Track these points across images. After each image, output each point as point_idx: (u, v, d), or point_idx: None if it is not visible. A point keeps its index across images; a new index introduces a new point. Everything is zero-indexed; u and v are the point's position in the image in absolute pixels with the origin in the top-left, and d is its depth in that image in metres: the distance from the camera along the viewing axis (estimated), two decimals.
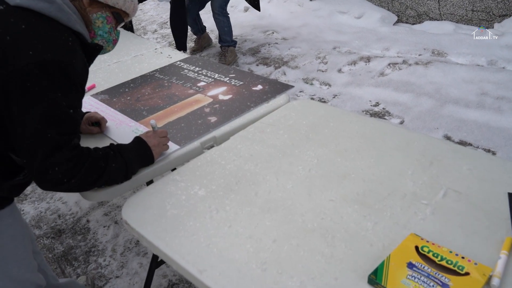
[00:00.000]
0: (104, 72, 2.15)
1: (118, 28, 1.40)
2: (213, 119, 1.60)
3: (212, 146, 1.49)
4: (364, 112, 3.33)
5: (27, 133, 1.09)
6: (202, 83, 1.90)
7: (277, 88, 1.80)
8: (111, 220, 2.55)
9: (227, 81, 1.90)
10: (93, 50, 1.29)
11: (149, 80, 2.00)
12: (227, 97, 1.75)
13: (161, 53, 2.38)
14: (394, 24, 4.68)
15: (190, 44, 4.92)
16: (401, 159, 1.31)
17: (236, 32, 4.95)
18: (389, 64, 3.88)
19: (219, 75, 1.97)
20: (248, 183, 1.26)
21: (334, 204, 1.16)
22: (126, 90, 1.92)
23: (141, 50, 2.45)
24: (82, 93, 1.20)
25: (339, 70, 3.95)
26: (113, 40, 1.36)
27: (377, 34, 4.40)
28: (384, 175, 1.25)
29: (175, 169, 1.40)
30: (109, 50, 1.39)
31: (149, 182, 1.44)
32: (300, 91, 3.74)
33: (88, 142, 1.54)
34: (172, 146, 1.45)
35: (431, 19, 4.60)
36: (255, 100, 1.71)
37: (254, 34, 4.90)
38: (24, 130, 1.09)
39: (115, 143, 1.32)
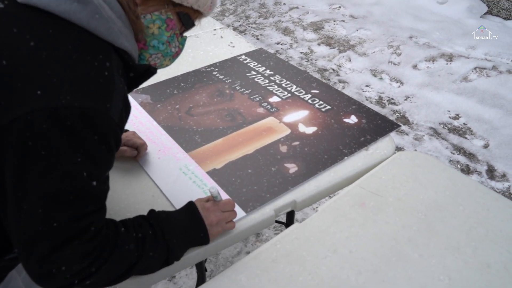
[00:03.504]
0: None
1: (185, 34, 0.94)
2: (292, 167, 1.15)
3: (291, 215, 1.04)
4: (442, 126, 2.82)
5: (22, 217, 0.67)
6: (275, 99, 1.43)
7: (378, 125, 1.32)
8: None
9: (309, 101, 1.42)
10: (141, 75, 0.84)
11: (205, 80, 1.54)
12: (310, 130, 1.28)
13: (221, 37, 1.90)
14: (481, 16, 4.01)
15: None
16: None
17: (297, 0, 4.38)
18: (475, 68, 3.29)
19: (298, 88, 1.49)
20: None
21: None
22: (175, 92, 1.47)
23: (196, 29, 1.95)
24: (116, 150, 0.77)
25: (415, 66, 3.38)
26: (173, 53, 0.91)
27: (463, 27, 3.76)
28: None
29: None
30: (166, 65, 0.94)
31: None
32: (366, 85, 3.22)
33: (112, 175, 1.12)
34: (236, 210, 1.01)
35: None
36: (349, 142, 1.24)
37: (318, 6, 4.30)
38: (18, 211, 0.67)
39: (154, 181, 0.89)
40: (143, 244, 0.80)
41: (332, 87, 1.52)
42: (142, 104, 1.41)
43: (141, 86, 1.50)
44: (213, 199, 0.94)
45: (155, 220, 0.85)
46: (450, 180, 1.14)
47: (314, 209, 2.17)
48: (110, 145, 0.72)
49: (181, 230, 0.88)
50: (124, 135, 1.17)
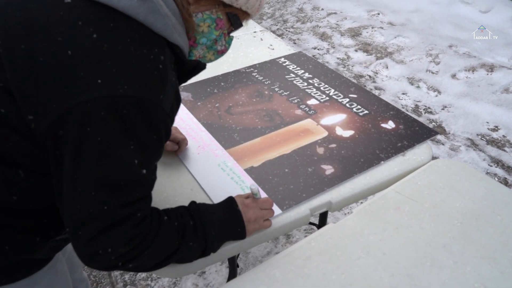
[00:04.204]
0: None
1: (232, 34, 0.97)
2: (328, 169, 1.16)
3: (323, 216, 1.06)
4: (479, 137, 2.76)
5: (76, 198, 0.71)
6: (313, 101, 1.45)
7: (416, 131, 1.32)
8: None
9: (347, 105, 1.43)
10: (191, 70, 0.88)
11: (245, 81, 1.58)
12: (347, 134, 1.30)
13: (261, 39, 1.93)
14: None
15: None
16: None
17: (335, 6, 4.38)
18: None
19: (336, 92, 1.51)
20: None
21: None
22: (215, 91, 1.51)
23: (237, 31, 2.00)
24: (166, 141, 0.81)
25: (453, 76, 3.33)
26: (218, 50, 0.94)
27: (506, 37, 3.68)
28: None
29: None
30: (210, 60, 0.98)
31: None
32: (403, 93, 3.19)
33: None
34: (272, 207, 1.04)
35: None
36: (385, 147, 1.25)
37: (356, 12, 4.29)
38: (72, 192, 0.71)
39: (192, 176, 0.95)
40: (184, 233, 0.84)
41: (370, 92, 1.52)
42: (183, 101, 1.45)
43: (182, 84, 1.55)
44: (252, 196, 0.97)
45: (196, 212, 0.89)
46: (488, 190, 1.13)
47: (345, 214, 2.17)
48: (161, 135, 0.76)
49: (220, 223, 0.90)
50: None
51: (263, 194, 1.07)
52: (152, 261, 0.81)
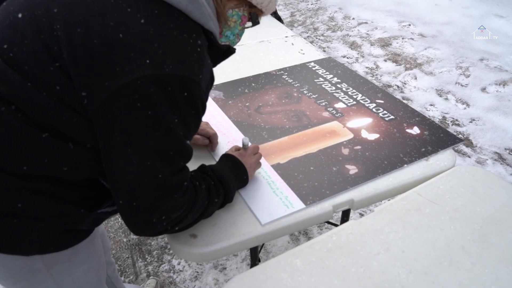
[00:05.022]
0: None
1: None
2: (352, 169, 1.20)
3: (345, 216, 1.10)
4: (507, 151, 2.74)
5: (130, 170, 0.78)
6: (340, 105, 1.50)
7: (440, 138, 1.34)
8: None
9: (374, 110, 1.47)
10: (222, 54, 0.96)
11: (275, 83, 1.63)
12: (372, 137, 1.33)
13: (292, 44, 1.98)
14: None
15: None
16: None
17: (366, 15, 4.40)
18: None
19: (363, 97, 1.54)
20: None
21: None
22: (246, 91, 1.57)
23: (269, 35, 2.07)
24: (202, 116, 0.89)
25: (483, 89, 3.31)
26: (236, 43, 1.05)
27: None
28: None
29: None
30: None
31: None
32: (430, 104, 3.18)
33: None
34: (296, 202, 1.09)
35: None
36: (409, 151, 1.28)
37: (387, 22, 4.31)
38: (126, 165, 0.78)
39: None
40: (209, 193, 0.95)
41: (397, 99, 1.56)
42: (215, 99, 1.52)
43: (214, 83, 1.62)
44: (242, 148, 1.14)
45: (212, 172, 1.00)
46: (510, 197, 1.15)
47: None
48: (199, 111, 0.84)
49: (232, 176, 1.04)
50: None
51: (284, 186, 1.15)
52: (190, 221, 0.93)
